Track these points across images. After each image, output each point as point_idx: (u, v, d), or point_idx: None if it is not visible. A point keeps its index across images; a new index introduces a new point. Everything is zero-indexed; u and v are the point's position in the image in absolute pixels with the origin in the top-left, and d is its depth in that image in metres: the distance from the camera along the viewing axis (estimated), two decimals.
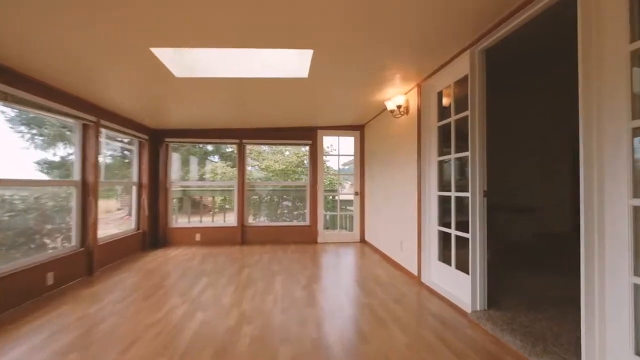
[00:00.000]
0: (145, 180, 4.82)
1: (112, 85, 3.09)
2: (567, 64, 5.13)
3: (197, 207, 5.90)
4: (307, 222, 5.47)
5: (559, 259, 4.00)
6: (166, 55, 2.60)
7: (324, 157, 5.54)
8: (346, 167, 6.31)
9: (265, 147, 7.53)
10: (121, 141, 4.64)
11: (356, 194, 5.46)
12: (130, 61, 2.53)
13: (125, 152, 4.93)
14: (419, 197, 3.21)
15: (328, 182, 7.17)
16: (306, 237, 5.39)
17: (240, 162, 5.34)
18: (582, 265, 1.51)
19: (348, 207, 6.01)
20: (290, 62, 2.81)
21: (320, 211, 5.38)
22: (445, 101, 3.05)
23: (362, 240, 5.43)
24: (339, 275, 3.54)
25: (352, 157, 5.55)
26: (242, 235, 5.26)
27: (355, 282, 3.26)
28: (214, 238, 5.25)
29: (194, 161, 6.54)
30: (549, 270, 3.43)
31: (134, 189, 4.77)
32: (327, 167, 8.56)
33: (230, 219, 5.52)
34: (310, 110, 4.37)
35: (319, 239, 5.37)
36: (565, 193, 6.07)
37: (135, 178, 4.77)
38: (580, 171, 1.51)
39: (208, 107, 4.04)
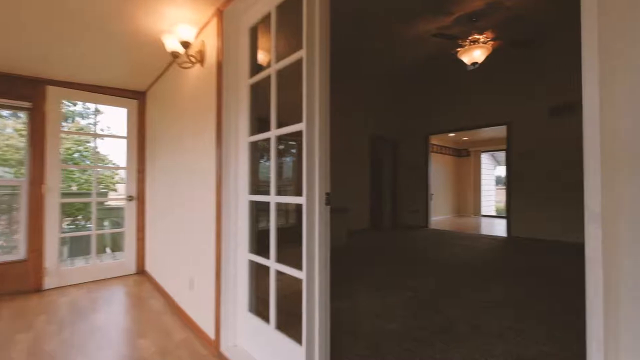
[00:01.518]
0: None
1: None
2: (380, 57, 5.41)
3: None
4: (22, 255, 2.93)
5: (368, 254, 3.83)
6: None
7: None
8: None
9: None
10: None
11: (130, 198, 3.46)
12: None
13: None
14: (218, 205, 1.87)
15: (84, 181, 4.59)
16: (15, 285, 2.85)
17: None
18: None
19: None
20: None
21: (53, 231, 3.01)
22: (264, 43, 1.87)
23: (141, 272, 3.51)
24: None
25: (124, 141, 3.49)
26: None
27: None
28: None
29: None
30: (365, 275, 3.02)
31: None
32: (100, 156, 5.77)
33: None
34: (15, 30, 2.10)
35: (49, 282, 2.98)
36: (366, 194, 6.60)
37: None
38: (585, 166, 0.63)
39: None
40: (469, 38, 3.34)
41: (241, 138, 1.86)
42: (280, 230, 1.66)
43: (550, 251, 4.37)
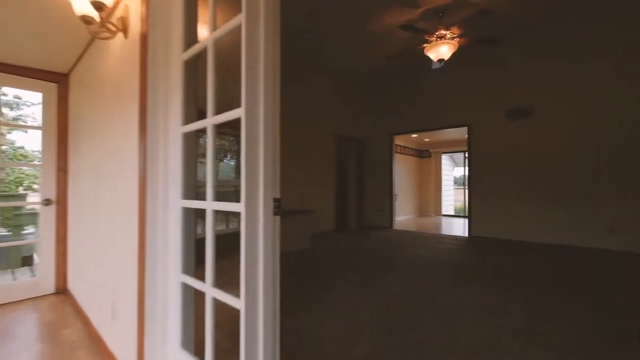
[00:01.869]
0: None
1: None
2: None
3: None
4: None
5: (333, 258, 3.58)
6: None
7: None
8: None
9: None
10: None
11: (47, 202, 2.86)
12: None
13: None
14: (141, 212, 1.47)
15: None
16: None
17: None
18: None
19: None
20: None
21: None
22: (205, 14, 1.51)
23: (62, 291, 2.92)
24: None
25: (39, 133, 2.88)
26: None
27: None
28: None
29: None
30: (331, 284, 2.76)
31: None
32: (24, 152, 4.93)
33: None
34: None
35: None
36: (331, 194, 6.37)
37: None
38: None
39: None
40: (436, 33, 3.24)
41: (172, 128, 1.48)
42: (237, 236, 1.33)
43: (512, 251, 4.46)
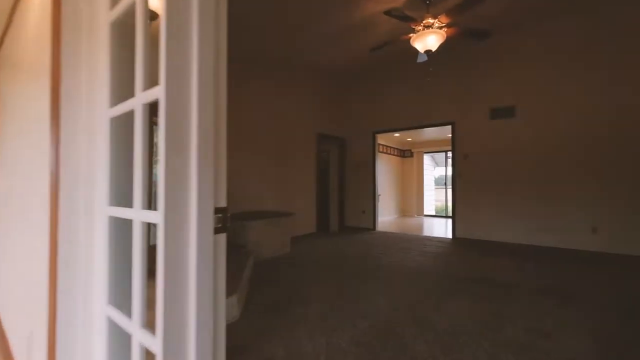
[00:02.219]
0: None
1: None
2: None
3: None
4: None
5: (313, 266, 3.29)
6: None
7: None
8: None
9: None
10: None
11: None
12: None
13: None
14: (53, 223, 1.11)
15: None
16: None
17: None
18: None
19: None
20: None
21: None
22: None
23: None
24: None
25: None
26: None
27: None
28: None
29: None
30: (309, 299, 2.46)
31: None
32: None
33: None
34: None
35: None
36: (312, 195, 6.08)
37: None
38: None
39: None
40: (422, 22, 3.02)
41: (99, 112, 1.13)
42: None
43: (499, 254, 4.34)
